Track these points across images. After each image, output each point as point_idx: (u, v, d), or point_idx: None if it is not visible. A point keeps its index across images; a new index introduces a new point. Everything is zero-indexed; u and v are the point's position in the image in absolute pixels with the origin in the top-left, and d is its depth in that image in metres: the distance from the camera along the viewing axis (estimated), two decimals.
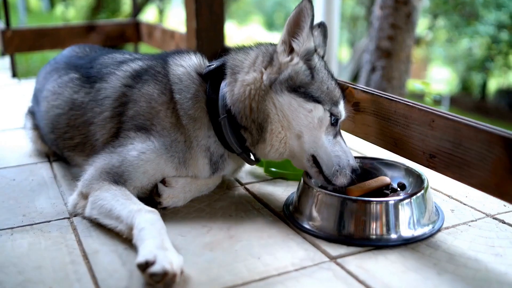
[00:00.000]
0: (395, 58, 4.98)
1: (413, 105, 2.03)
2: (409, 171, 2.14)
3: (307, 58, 2.02)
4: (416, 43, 8.70)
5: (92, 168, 2.08)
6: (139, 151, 2.06)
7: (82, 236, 1.92)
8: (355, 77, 11.56)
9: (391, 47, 4.96)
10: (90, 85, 2.35)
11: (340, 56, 13.12)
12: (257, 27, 18.20)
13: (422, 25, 12.13)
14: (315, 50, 2.07)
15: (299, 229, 1.95)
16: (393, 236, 1.85)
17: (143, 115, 2.14)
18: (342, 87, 2.17)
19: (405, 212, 1.88)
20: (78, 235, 1.93)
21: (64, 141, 2.42)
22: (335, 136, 2.04)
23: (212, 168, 2.18)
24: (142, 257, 1.61)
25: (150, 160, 2.06)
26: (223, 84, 2.10)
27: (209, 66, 2.19)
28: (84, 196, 2.04)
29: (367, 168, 2.22)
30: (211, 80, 2.14)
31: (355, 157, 2.25)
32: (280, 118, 2.00)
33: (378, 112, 2.19)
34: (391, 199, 1.88)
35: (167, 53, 2.37)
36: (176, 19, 16.17)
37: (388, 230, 1.85)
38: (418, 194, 1.92)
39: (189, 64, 2.23)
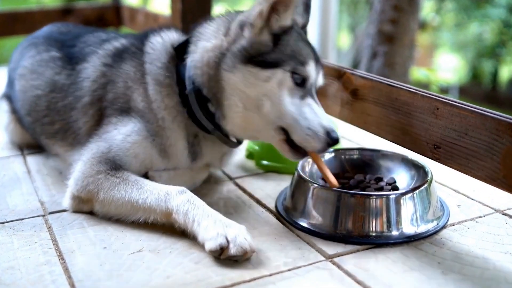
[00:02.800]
0: (398, 43, 4.98)
1: (416, 91, 2.04)
2: (411, 163, 2.15)
3: (277, 32, 2.00)
4: (422, 28, 8.70)
5: (81, 163, 2.07)
6: (124, 134, 2.08)
7: (58, 235, 1.91)
8: (356, 65, 11.55)
9: (394, 31, 4.96)
10: (72, 66, 2.36)
11: (340, 42, 13.11)
12: None
13: (428, 8, 12.13)
14: (291, 27, 2.03)
15: (293, 226, 1.96)
16: (395, 233, 1.85)
17: (121, 97, 2.16)
18: (317, 57, 2.11)
19: (408, 208, 1.88)
20: (54, 233, 1.92)
21: (43, 126, 2.41)
22: (302, 97, 1.99)
23: (191, 153, 2.18)
24: (212, 243, 1.71)
25: (137, 142, 2.08)
26: (187, 52, 2.13)
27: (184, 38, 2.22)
28: (84, 200, 2.03)
29: (366, 161, 2.23)
30: (180, 51, 2.16)
31: (354, 148, 2.25)
32: (236, 92, 2.00)
33: (378, 100, 2.19)
34: (392, 194, 1.89)
35: (151, 29, 2.39)
36: (161, 2, 16.10)
37: (389, 226, 1.86)
38: (422, 188, 1.92)
39: (167, 37, 2.25)
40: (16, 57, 2.72)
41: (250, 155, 2.57)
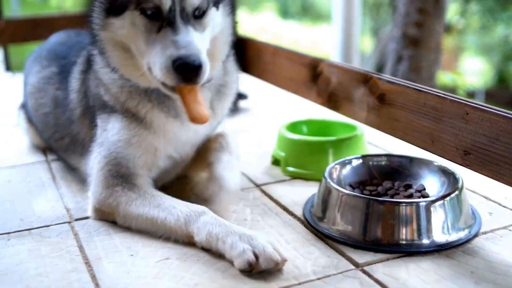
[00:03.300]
0: (424, 47, 4.95)
1: (445, 96, 2.02)
2: (441, 170, 2.13)
3: None
4: (447, 31, 8.64)
5: (94, 175, 2.09)
6: (114, 134, 2.08)
7: (84, 241, 1.93)
8: (379, 70, 11.51)
9: (419, 34, 4.93)
10: (65, 80, 2.38)
11: (362, 46, 13.06)
12: (271, 15, 18.16)
13: (452, 11, 12.05)
14: None
15: (321, 234, 1.95)
16: (425, 241, 1.84)
17: (96, 97, 2.17)
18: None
19: (438, 215, 1.87)
20: (80, 240, 1.94)
21: (56, 142, 2.45)
22: (159, 30, 1.85)
23: (171, 111, 2.10)
24: (240, 260, 1.69)
25: (125, 134, 2.07)
26: None
27: None
28: (106, 213, 2.04)
29: (394, 167, 2.21)
30: None
31: (382, 155, 2.24)
32: (113, 42, 1.99)
33: (406, 105, 2.18)
34: (423, 201, 1.87)
35: None
36: None
37: (419, 235, 1.84)
38: (452, 195, 1.91)
39: None
40: (26, 70, 2.76)
41: (276, 161, 2.56)
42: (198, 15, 1.91)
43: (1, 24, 4.59)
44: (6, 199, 2.27)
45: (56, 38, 2.78)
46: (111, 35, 1.97)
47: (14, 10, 13.85)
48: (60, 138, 2.41)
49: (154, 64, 1.84)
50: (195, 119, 1.89)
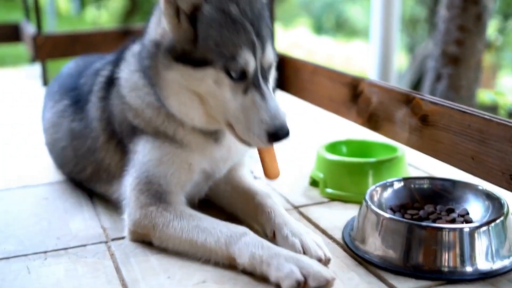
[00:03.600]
0: (464, 65, 4.90)
1: (491, 118, 1.99)
2: (485, 194, 2.08)
3: (193, 12, 1.89)
4: (486, 48, 8.56)
5: (127, 197, 2.09)
6: (145, 154, 2.08)
7: (121, 263, 1.93)
8: (415, 87, 11.42)
9: (459, 52, 4.88)
10: (81, 110, 2.38)
11: (398, 63, 12.98)
12: (305, 31, 18.20)
13: (491, 28, 11.93)
14: (206, 2, 1.90)
15: (361, 259, 1.92)
16: (469, 269, 1.80)
17: (123, 122, 2.17)
18: (254, 31, 1.91)
19: (482, 242, 1.82)
20: (117, 261, 1.94)
21: (78, 174, 2.46)
22: (245, 91, 1.89)
23: (212, 134, 2.11)
24: (288, 281, 1.67)
25: (156, 153, 2.07)
26: None
27: None
28: (142, 235, 2.03)
29: (437, 190, 2.17)
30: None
31: (424, 177, 2.21)
32: (179, 85, 1.96)
33: (449, 126, 2.14)
34: (466, 226, 1.83)
35: (126, 44, 2.38)
36: None
37: (462, 262, 1.80)
38: (497, 221, 1.86)
39: (136, 45, 2.23)
40: (43, 107, 2.79)
41: (314, 182, 2.54)
42: (269, 69, 1.98)
43: (41, 40, 4.68)
44: (43, 217, 2.29)
45: (66, 70, 2.77)
46: (180, 80, 1.94)
47: (51, 24, 14.12)
48: (81, 170, 2.41)
49: (239, 124, 1.90)
50: (270, 175, 2.00)
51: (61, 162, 2.59)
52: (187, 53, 1.89)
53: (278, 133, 1.86)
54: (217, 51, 1.86)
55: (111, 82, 2.26)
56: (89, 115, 2.32)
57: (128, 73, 2.17)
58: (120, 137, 2.20)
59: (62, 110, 2.51)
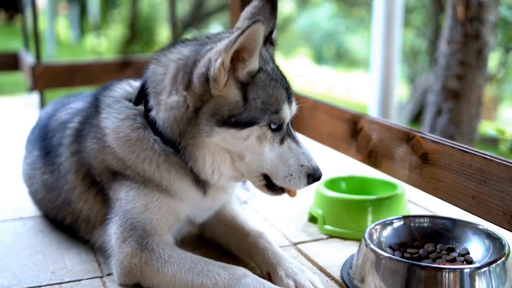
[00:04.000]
0: (465, 100, 4.92)
1: (492, 158, 1.99)
2: (486, 233, 2.09)
3: (245, 79, 1.92)
4: (489, 81, 8.59)
5: (112, 246, 2.06)
6: (128, 201, 2.05)
7: None
8: (415, 118, 11.46)
9: (460, 87, 4.90)
10: (51, 162, 2.35)
11: (399, 94, 13.03)
12: (305, 60, 18.32)
13: (492, 61, 12.00)
14: (258, 70, 1.94)
15: None
16: None
17: (103, 171, 2.13)
18: (288, 87, 2.04)
19: (483, 283, 1.82)
20: None
21: (60, 223, 2.41)
22: (281, 141, 2.00)
23: (200, 186, 2.10)
24: None
25: (142, 200, 2.04)
26: (149, 106, 2.04)
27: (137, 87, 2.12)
28: (134, 281, 2.01)
29: (437, 229, 2.18)
30: (140, 102, 2.09)
31: (424, 216, 2.22)
32: (217, 149, 1.96)
33: (450, 166, 2.15)
34: (467, 267, 1.83)
35: (99, 89, 2.34)
36: None
37: None
38: (498, 262, 1.86)
39: (118, 92, 2.20)
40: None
41: (312, 218, 2.55)
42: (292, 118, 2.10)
43: (39, 70, 4.70)
44: (37, 250, 2.29)
45: (43, 114, 2.71)
46: (221, 143, 1.94)
47: (50, 51, 14.22)
48: (62, 219, 2.37)
49: (279, 172, 1.98)
50: (292, 194, 2.08)
51: (44, 211, 2.54)
52: (233, 116, 1.90)
53: (315, 175, 2.01)
54: (263, 109, 1.93)
55: (79, 134, 2.22)
56: (61, 169, 2.27)
57: (116, 122, 2.11)
58: (100, 186, 2.17)
59: (34, 162, 2.48)
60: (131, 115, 2.11)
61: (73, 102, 2.46)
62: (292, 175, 1.98)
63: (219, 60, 1.83)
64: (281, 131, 1.99)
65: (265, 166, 1.98)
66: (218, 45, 1.87)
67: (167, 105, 1.96)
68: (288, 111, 2.00)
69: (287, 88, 2.02)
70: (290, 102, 2.02)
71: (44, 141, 2.43)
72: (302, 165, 1.99)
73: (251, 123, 1.91)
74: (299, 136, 2.09)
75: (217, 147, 1.95)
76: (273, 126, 1.95)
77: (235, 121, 1.89)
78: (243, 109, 1.90)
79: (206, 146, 1.95)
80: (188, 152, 1.98)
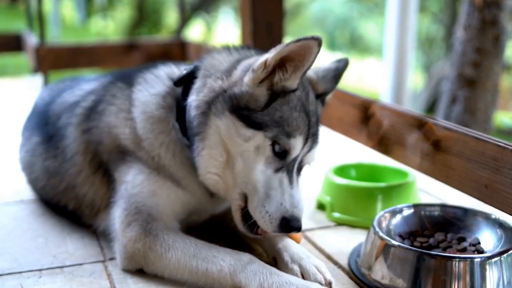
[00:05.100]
0: (480, 88, 4.90)
1: (506, 146, 1.99)
2: (498, 223, 2.09)
3: (277, 90, 1.92)
4: (505, 70, 8.55)
5: (116, 230, 2.06)
6: (135, 185, 2.06)
7: (117, 283, 1.95)
8: (430, 108, 11.41)
9: (476, 74, 4.89)
10: (54, 146, 2.34)
11: (413, 82, 12.97)
12: None
13: (510, 49, 11.92)
14: (294, 90, 1.93)
15: (367, 287, 1.93)
16: None
17: (112, 151, 2.15)
18: (314, 132, 2.02)
19: (493, 273, 1.83)
20: (113, 282, 1.95)
21: (63, 209, 2.41)
22: (277, 170, 1.92)
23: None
24: None
25: (150, 185, 2.06)
26: (192, 90, 2.04)
27: (185, 69, 2.13)
28: (135, 267, 2.02)
29: (448, 218, 2.18)
30: (181, 84, 2.09)
31: (435, 204, 2.22)
32: (217, 138, 1.95)
33: (462, 153, 2.15)
34: (477, 257, 1.84)
35: (135, 69, 2.35)
36: (224, 35, 16.40)
37: None
38: (510, 252, 1.87)
39: (162, 70, 2.22)
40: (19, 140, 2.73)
41: (321, 205, 2.56)
42: (304, 167, 2.04)
43: (43, 51, 4.72)
44: (39, 234, 2.32)
45: (39, 101, 2.71)
46: (225, 132, 1.92)
47: (54, 33, 14.24)
48: (65, 205, 2.37)
49: (256, 197, 1.90)
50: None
51: (45, 198, 2.54)
52: (247, 110, 1.89)
53: (291, 223, 1.87)
54: (277, 123, 1.88)
55: (92, 112, 2.23)
56: (66, 151, 2.28)
57: (147, 96, 2.13)
58: (107, 167, 2.18)
59: (33, 149, 2.48)
60: (163, 92, 2.13)
61: (79, 85, 2.47)
62: (267, 211, 1.88)
63: (267, 56, 1.85)
64: (282, 160, 1.92)
65: (249, 184, 1.93)
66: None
67: (210, 88, 1.98)
68: (300, 147, 1.94)
69: (309, 127, 1.96)
70: (306, 140, 1.96)
71: (45, 126, 2.43)
72: (281, 204, 1.89)
73: (259, 127, 1.88)
74: None
75: (219, 139, 1.93)
76: (276, 148, 1.90)
77: (247, 115, 1.89)
78: (260, 110, 1.89)
79: (211, 134, 1.94)
80: (197, 140, 1.97)
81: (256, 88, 1.89)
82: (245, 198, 1.95)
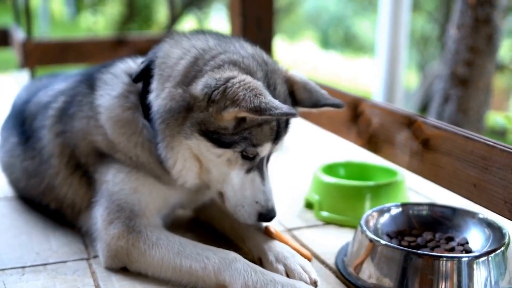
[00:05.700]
0: (473, 87, 4.92)
1: (494, 145, 2.00)
2: (487, 223, 2.11)
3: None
4: (499, 70, 8.58)
5: (98, 230, 2.07)
6: (115, 183, 2.07)
7: (101, 281, 1.95)
8: (424, 108, 11.44)
9: (469, 73, 4.90)
10: (31, 147, 2.34)
11: (407, 81, 13.00)
12: (310, 44, 18.26)
13: (505, 48, 11.95)
14: None
15: (354, 286, 1.94)
16: None
17: (89, 154, 2.16)
18: (281, 132, 2.03)
19: (481, 272, 1.84)
20: (97, 279, 1.96)
21: (45, 209, 2.40)
22: (248, 171, 1.99)
23: None
24: None
25: (131, 183, 2.07)
26: (151, 88, 2.02)
27: (142, 63, 2.12)
28: (120, 264, 2.02)
29: (436, 217, 2.20)
30: (139, 80, 2.09)
31: (424, 204, 2.23)
32: (188, 151, 1.97)
33: (451, 152, 2.16)
34: (465, 256, 1.85)
35: (95, 68, 2.34)
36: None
37: None
38: (498, 252, 1.88)
39: (119, 67, 2.20)
40: None
41: (309, 204, 2.57)
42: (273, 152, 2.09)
43: (30, 46, 4.71)
44: (22, 231, 2.31)
45: (17, 100, 2.70)
46: (194, 149, 1.95)
47: (43, 29, 14.20)
48: (46, 205, 2.36)
49: (233, 198, 2.01)
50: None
51: (28, 199, 2.52)
52: (217, 134, 1.90)
53: (268, 215, 2.01)
54: (246, 138, 1.92)
55: (63, 114, 2.23)
56: (43, 153, 2.28)
57: (109, 100, 2.12)
58: (86, 169, 2.18)
59: (11, 150, 2.48)
60: (125, 92, 2.12)
61: (52, 84, 2.46)
62: (244, 207, 2.00)
63: (229, 110, 1.83)
64: (252, 161, 1.98)
65: (225, 186, 2.01)
66: (238, 88, 1.83)
67: (170, 94, 1.95)
68: (269, 148, 2.01)
69: (279, 129, 1.99)
70: (276, 139, 2.01)
71: (22, 127, 2.42)
72: (256, 202, 2.00)
73: (228, 146, 1.91)
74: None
75: (191, 153, 1.96)
76: (245, 155, 1.95)
77: (216, 138, 1.91)
78: (229, 134, 1.90)
79: (180, 149, 1.96)
80: (163, 148, 1.97)
81: (222, 119, 1.88)
82: (222, 196, 2.06)
